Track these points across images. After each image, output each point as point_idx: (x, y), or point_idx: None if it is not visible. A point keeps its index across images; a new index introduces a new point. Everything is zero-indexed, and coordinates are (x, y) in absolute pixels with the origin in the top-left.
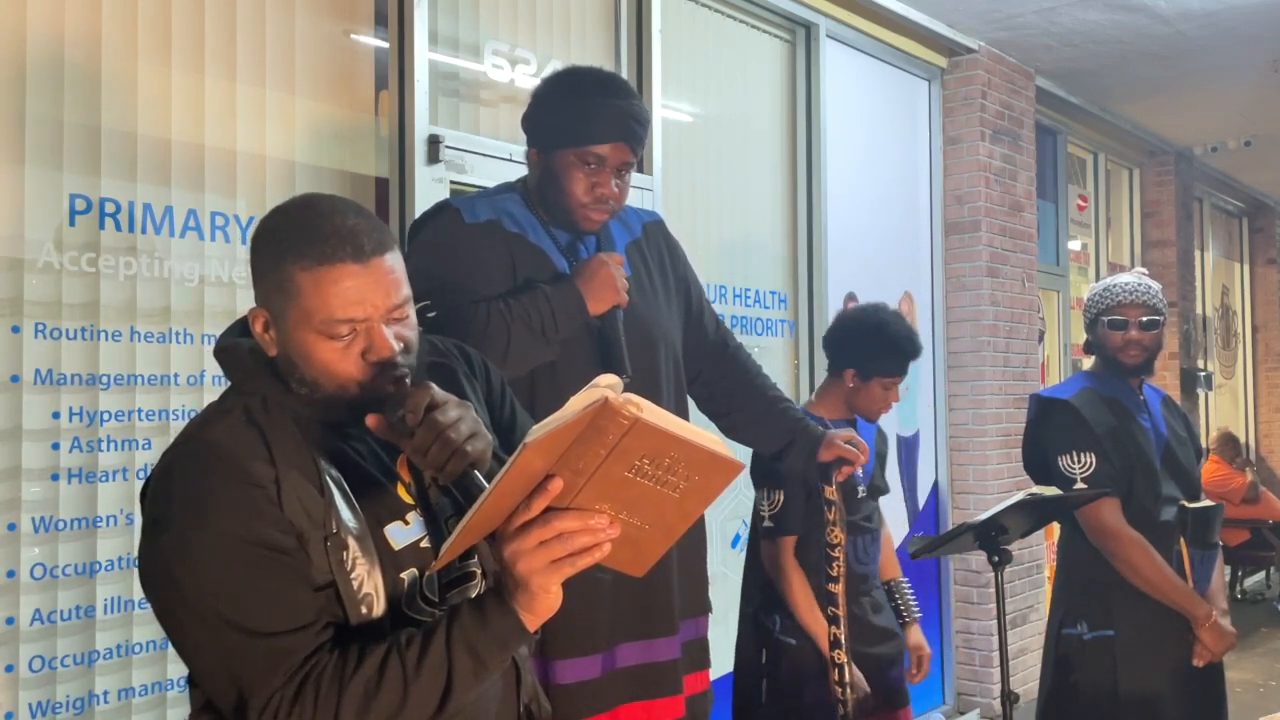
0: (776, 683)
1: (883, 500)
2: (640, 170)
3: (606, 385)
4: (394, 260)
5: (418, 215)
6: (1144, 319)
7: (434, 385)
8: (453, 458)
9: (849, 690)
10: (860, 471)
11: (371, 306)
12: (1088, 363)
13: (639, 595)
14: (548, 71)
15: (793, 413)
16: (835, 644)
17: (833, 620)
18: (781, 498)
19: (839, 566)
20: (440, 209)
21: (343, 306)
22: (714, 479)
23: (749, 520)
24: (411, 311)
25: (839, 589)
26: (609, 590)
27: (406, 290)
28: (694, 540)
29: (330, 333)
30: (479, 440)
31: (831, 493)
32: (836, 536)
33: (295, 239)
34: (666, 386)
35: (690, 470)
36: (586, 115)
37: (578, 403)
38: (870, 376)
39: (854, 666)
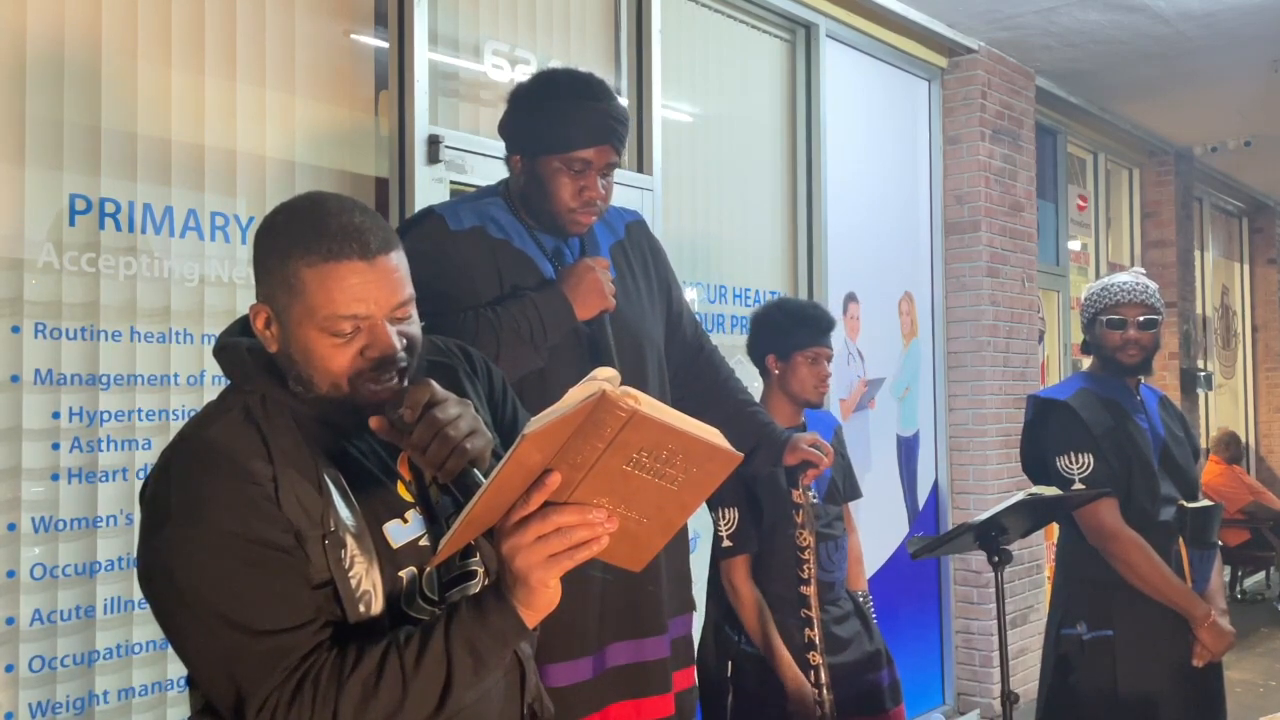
0: (743, 695)
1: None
2: (640, 170)
3: (604, 378)
4: (399, 259)
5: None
6: (1142, 318)
7: (434, 382)
8: (451, 455)
9: (826, 691)
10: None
11: (375, 304)
12: (1087, 363)
13: (628, 595)
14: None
15: (760, 416)
16: (810, 646)
17: (805, 623)
18: (735, 516)
19: (809, 569)
20: (424, 216)
21: (347, 303)
22: (712, 470)
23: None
24: (414, 310)
25: (811, 590)
26: (598, 591)
27: (410, 290)
28: (678, 538)
29: (333, 329)
30: (478, 438)
31: (799, 496)
32: (805, 539)
33: (302, 235)
34: (654, 387)
35: (688, 462)
36: (569, 121)
37: (575, 395)
38: (789, 354)
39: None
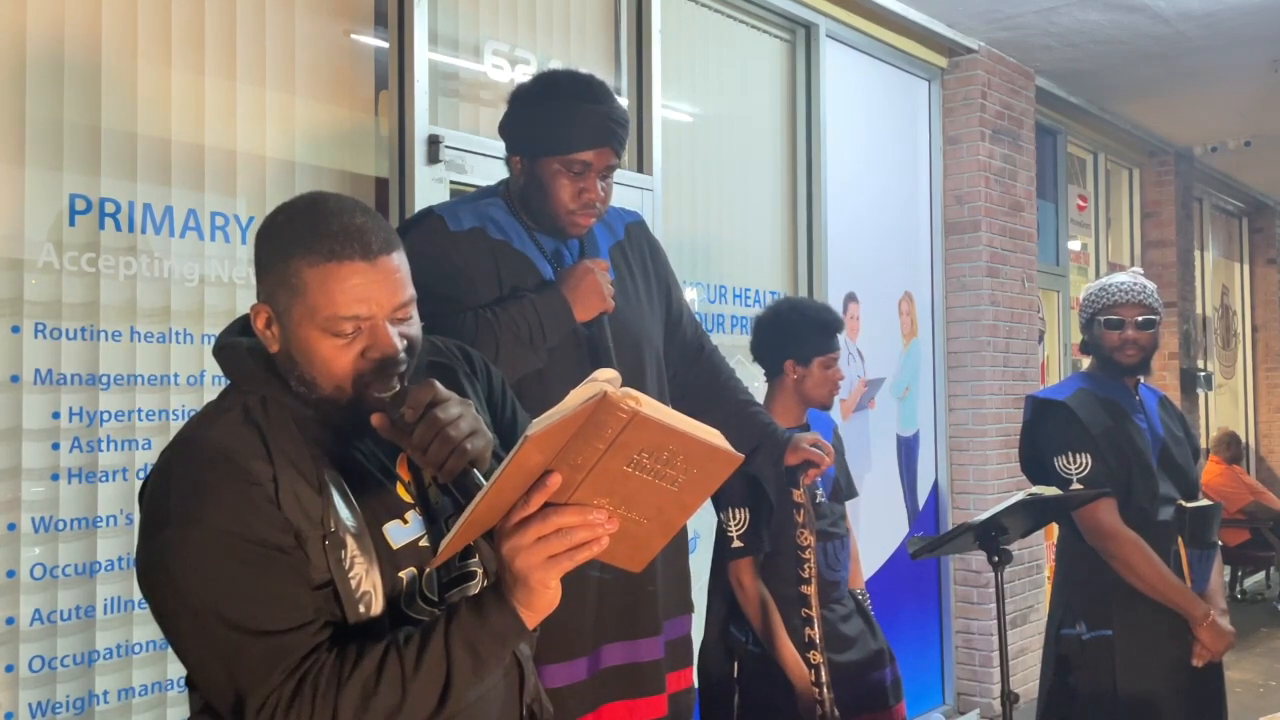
0: (749, 696)
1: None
2: (641, 170)
3: (605, 380)
4: (400, 260)
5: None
6: (1140, 318)
7: (436, 383)
8: (452, 455)
9: (826, 690)
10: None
11: (376, 305)
12: (1087, 363)
13: (624, 596)
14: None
15: (761, 417)
16: (811, 645)
17: (806, 621)
18: (746, 517)
19: (810, 569)
20: (423, 216)
21: (348, 304)
22: (712, 471)
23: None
24: (414, 311)
25: (811, 590)
26: (594, 592)
27: (410, 290)
28: (677, 539)
29: (334, 329)
30: (479, 438)
31: (800, 496)
32: (806, 539)
33: (303, 235)
34: (652, 388)
35: (689, 463)
36: (569, 122)
37: (577, 397)
38: (809, 359)
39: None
